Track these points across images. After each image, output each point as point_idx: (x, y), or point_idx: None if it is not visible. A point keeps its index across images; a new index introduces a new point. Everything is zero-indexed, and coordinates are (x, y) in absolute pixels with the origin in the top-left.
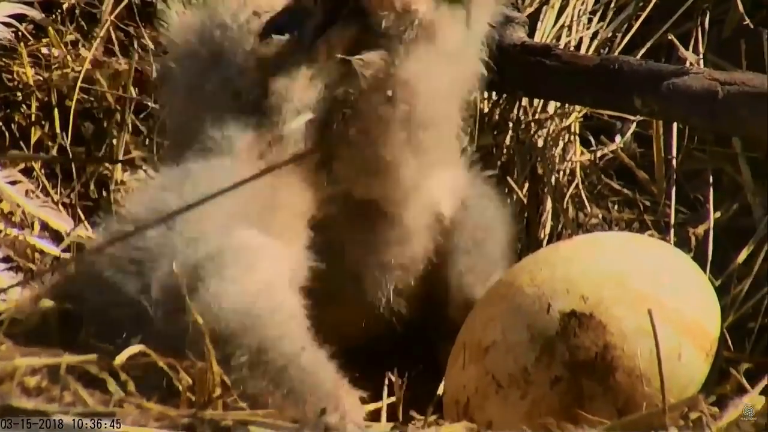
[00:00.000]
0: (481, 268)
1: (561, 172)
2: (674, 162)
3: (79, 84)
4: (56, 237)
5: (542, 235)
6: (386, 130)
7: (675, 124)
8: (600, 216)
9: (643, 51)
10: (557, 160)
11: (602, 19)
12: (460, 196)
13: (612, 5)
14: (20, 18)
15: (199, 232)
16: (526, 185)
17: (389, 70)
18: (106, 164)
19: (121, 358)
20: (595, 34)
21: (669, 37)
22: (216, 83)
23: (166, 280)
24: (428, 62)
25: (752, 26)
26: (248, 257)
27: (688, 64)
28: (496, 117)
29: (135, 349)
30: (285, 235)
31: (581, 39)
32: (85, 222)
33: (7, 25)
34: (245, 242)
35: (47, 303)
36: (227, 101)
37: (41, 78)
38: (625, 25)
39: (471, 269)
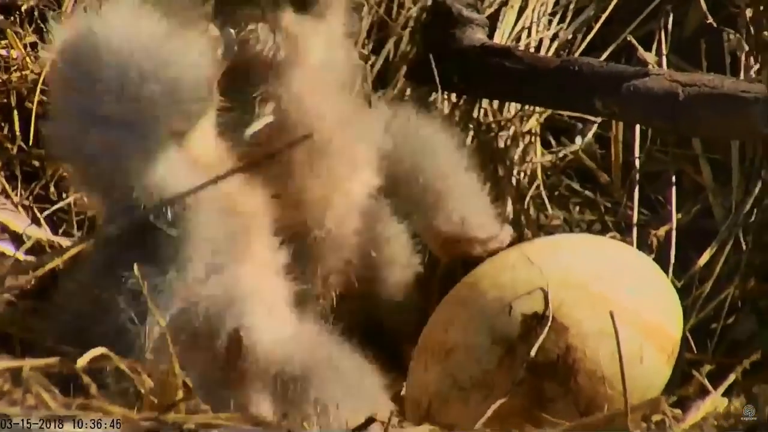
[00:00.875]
0: (430, 201)
1: (522, 174)
2: (636, 163)
3: (39, 86)
4: (15, 239)
5: None
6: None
7: (637, 126)
8: (561, 218)
9: (606, 53)
10: (518, 162)
11: (562, 20)
12: (382, 153)
13: (572, 6)
14: None
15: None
16: (487, 187)
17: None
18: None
19: (83, 361)
20: (555, 36)
21: (629, 39)
22: None
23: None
24: (303, 80)
25: (715, 25)
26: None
27: (650, 66)
28: (456, 118)
29: (97, 351)
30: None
31: (541, 40)
32: (44, 224)
33: None
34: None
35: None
36: None
37: (0, 80)
38: (586, 27)
39: (428, 211)
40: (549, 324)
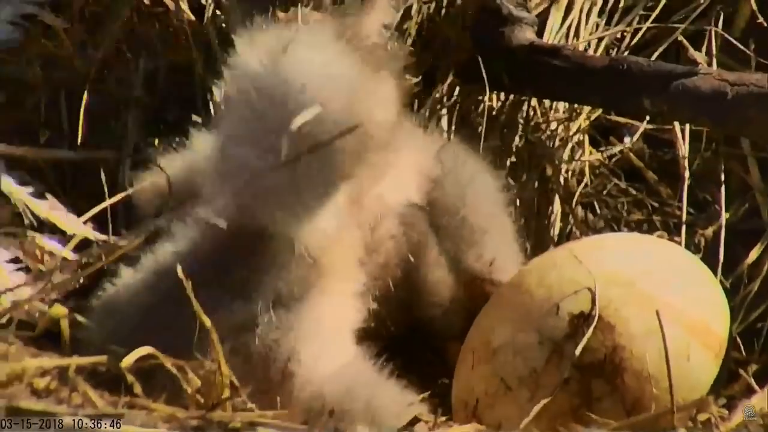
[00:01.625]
0: (469, 237)
1: (570, 173)
2: (684, 162)
3: (89, 84)
4: (65, 238)
5: (551, 237)
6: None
7: (686, 125)
8: (609, 217)
9: (656, 53)
10: (566, 161)
11: (610, 19)
12: (426, 171)
13: (621, 5)
14: (29, 18)
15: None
16: (535, 186)
17: None
18: (117, 166)
19: (128, 361)
20: (603, 35)
21: (678, 38)
22: None
23: None
24: None
25: (765, 24)
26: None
27: (701, 66)
28: (504, 118)
29: (143, 351)
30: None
31: (590, 40)
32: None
33: (15, 24)
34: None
35: (60, 310)
36: None
37: (50, 78)
38: (634, 25)
39: (457, 241)
40: (595, 323)
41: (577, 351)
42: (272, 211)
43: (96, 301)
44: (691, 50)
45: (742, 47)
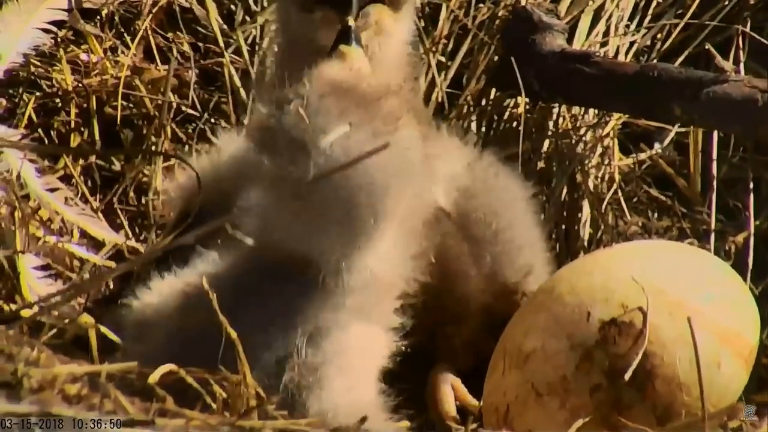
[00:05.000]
0: (504, 250)
1: (600, 179)
2: (714, 170)
3: (120, 90)
4: (95, 245)
5: (581, 243)
6: None
7: (715, 132)
8: (639, 224)
9: (680, 59)
10: (596, 167)
11: (640, 25)
12: (455, 180)
13: (650, 12)
14: (59, 24)
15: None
16: (564, 191)
17: None
18: (145, 171)
19: (154, 377)
20: (633, 41)
21: (706, 47)
22: None
23: None
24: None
25: None
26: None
27: (730, 73)
28: (534, 123)
29: (166, 368)
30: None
31: (619, 46)
32: (127, 229)
33: (46, 31)
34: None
35: (88, 320)
36: None
37: (80, 84)
38: (665, 32)
39: (493, 253)
40: (642, 336)
41: (627, 375)
42: (318, 238)
43: (127, 314)
44: (719, 58)
45: None
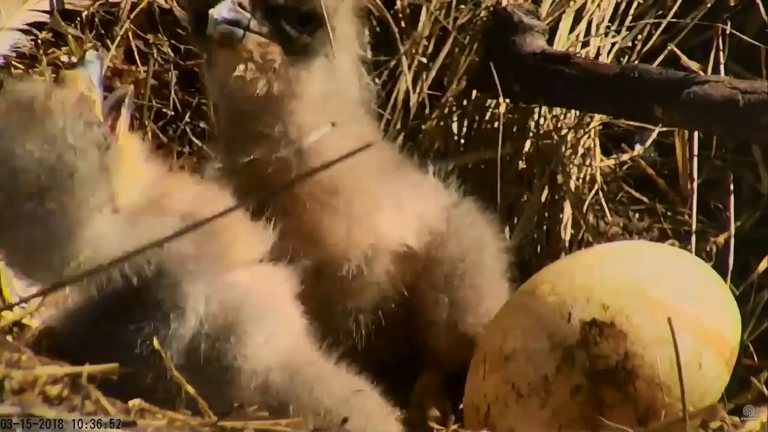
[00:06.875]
0: (467, 299)
1: (581, 180)
2: (695, 170)
3: None
4: None
5: (562, 244)
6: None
7: (696, 133)
8: (620, 224)
9: (656, 62)
10: (577, 169)
11: (621, 26)
12: (429, 223)
13: (631, 13)
14: (39, 26)
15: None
16: (546, 192)
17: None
18: None
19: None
20: (614, 43)
21: (669, 47)
22: None
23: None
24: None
25: None
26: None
27: (697, 73)
28: (514, 124)
29: (108, 367)
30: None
31: (600, 47)
32: None
33: (26, 32)
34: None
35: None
36: None
37: None
38: (645, 33)
39: (455, 302)
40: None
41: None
42: None
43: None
44: (684, 58)
45: (756, 43)
